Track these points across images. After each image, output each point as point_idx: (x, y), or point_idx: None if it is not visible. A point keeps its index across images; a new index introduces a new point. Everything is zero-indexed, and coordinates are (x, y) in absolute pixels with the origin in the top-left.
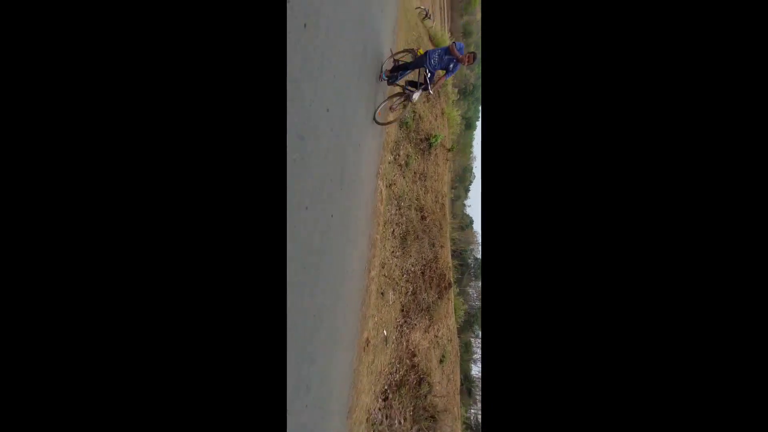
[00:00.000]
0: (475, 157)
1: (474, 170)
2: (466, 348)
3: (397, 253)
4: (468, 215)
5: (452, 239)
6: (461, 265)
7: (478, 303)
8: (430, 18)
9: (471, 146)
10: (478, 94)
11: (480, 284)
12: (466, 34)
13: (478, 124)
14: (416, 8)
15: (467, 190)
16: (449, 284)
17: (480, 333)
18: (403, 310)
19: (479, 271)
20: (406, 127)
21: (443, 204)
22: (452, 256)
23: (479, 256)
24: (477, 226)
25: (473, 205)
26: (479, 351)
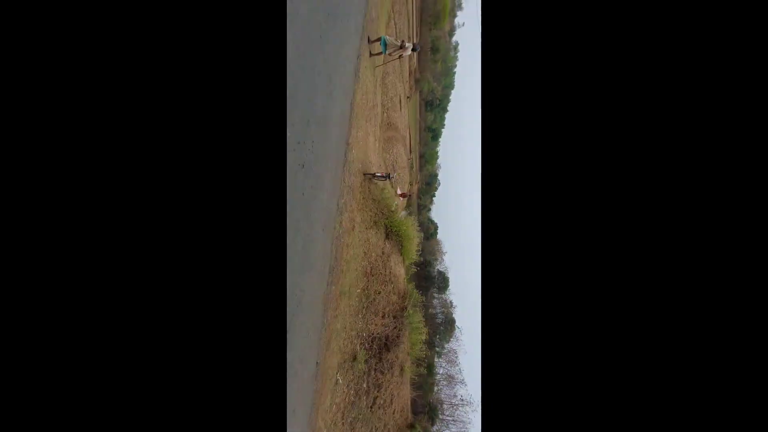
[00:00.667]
0: (440, 165)
1: (439, 177)
2: (429, 370)
3: None
4: (433, 222)
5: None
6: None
7: (441, 316)
8: (390, 178)
9: (436, 155)
10: (445, 103)
11: (443, 296)
12: (434, 50)
13: (444, 131)
14: (366, 175)
15: (433, 196)
16: None
17: (442, 350)
18: None
19: (443, 285)
20: None
21: None
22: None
23: (442, 269)
24: (440, 235)
25: (438, 211)
26: (442, 370)
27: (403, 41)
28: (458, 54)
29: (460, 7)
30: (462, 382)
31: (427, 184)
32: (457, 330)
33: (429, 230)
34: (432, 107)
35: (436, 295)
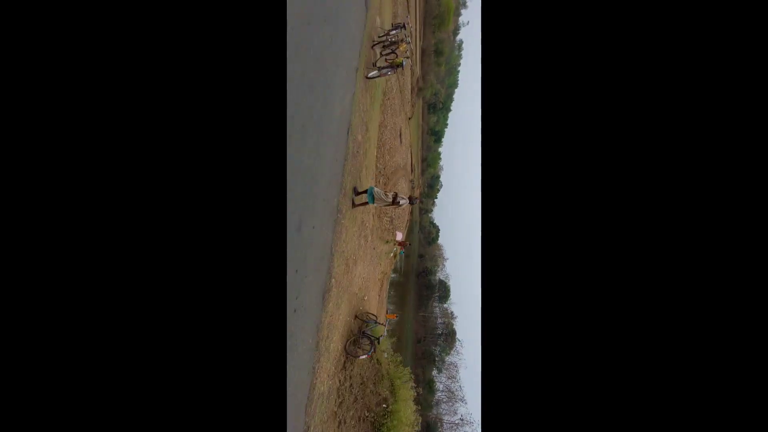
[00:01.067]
0: (442, 167)
1: (441, 179)
2: (429, 387)
3: None
4: (435, 225)
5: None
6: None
7: (441, 326)
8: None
9: (439, 157)
10: (448, 104)
11: (444, 306)
12: (438, 53)
13: (447, 130)
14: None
15: (435, 198)
16: None
17: (440, 366)
18: None
19: (444, 294)
20: None
21: None
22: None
23: (443, 276)
24: (443, 238)
25: (440, 212)
26: (441, 385)
27: (396, 195)
28: (462, 52)
29: (464, 5)
30: (462, 399)
31: (429, 187)
32: (457, 343)
33: (431, 234)
34: (435, 110)
35: (436, 304)
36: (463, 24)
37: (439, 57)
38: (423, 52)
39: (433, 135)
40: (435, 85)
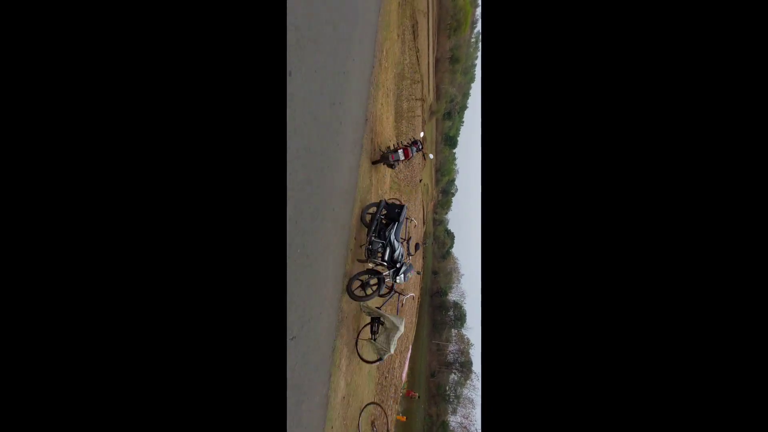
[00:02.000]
0: (458, 171)
1: (456, 182)
2: (443, 430)
3: None
4: (450, 233)
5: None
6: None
7: (456, 353)
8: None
9: (454, 163)
10: (464, 102)
11: (460, 330)
12: (453, 60)
13: (462, 128)
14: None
15: (449, 204)
16: None
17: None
18: None
19: (459, 322)
20: None
21: None
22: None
23: (458, 296)
24: (458, 247)
25: (456, 217)
26: (456, 424)
27: None
28: (479, 44)
29: None
30: None
31: (443, 192)
32: (473, 376)
33: (445, 245)
34: (450, 116)
35: (453, 329)
36: (480, 16)
37: (455, 64)
38: (437, 61)
39: (447, 142)
40: (450, 91)
